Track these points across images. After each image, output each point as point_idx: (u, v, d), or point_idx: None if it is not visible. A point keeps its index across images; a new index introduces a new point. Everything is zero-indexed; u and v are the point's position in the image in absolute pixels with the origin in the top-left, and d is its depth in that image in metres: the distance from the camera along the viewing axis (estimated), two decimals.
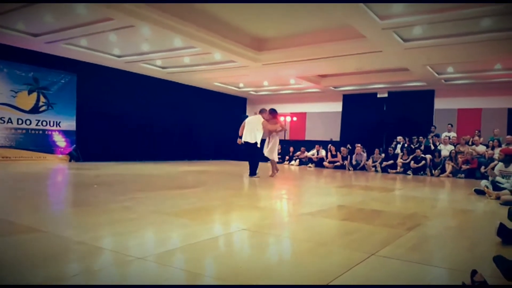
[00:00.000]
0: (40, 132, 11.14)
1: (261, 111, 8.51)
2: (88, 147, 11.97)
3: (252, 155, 8.35)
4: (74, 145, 11.71)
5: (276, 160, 8.90)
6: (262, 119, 8.28)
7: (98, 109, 12.31)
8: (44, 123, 11.20)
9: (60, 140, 11.54)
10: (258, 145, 8.21)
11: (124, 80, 12.98)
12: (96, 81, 12.19)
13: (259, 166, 8.50)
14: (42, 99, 11.13)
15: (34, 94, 10.97)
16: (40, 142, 11.10)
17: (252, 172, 8.28)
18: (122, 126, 13.02)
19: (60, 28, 8.97)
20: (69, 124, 11.69)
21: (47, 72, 11.20)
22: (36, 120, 11.02)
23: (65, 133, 11.62)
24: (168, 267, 2.18)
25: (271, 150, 8.55)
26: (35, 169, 8.74)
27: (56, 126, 11.44)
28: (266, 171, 9.00)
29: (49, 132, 11.32)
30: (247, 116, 17.55)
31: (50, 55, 10.94)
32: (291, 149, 15.39)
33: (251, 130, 8.19)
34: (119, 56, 11.42)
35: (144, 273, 2.10)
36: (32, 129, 10.92)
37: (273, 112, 8.63)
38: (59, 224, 3.34)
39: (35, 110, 10.98)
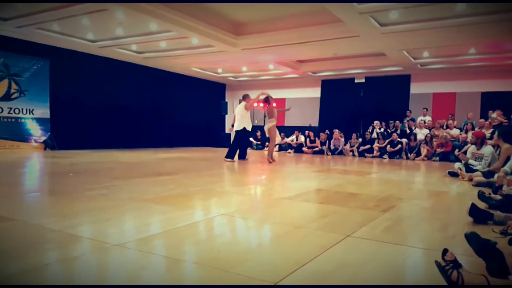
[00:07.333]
0: (13, 120, 10.80)
1: (244, 97, 9.16)
2: (63, 135, 11.68)
3: (239, 140, 8.97)
4: (49, 133, 11.42)
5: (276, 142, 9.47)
6: (244, 104, 8.94)
7: (73, 95, 11.99)
8: (17, 111, 10.86)
9: (34, 128, 11.22)
10: (248, 129, 8.88)
11: (99, 65, 12.64)
12: (70, 67, 11.85)
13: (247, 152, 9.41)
14: (13, 86, 10.76)
15: (5, 81, 10.60)
16: (13, 131, 10.76)
17: (230, 155, 8.80)
18: (98, 113, 12.72)
19: (30, 12, 8.62)
20: (43, 111, 11.36)
21: (19, 58, 10.81)
22: (8, 108, 10.67)
23: (39, 120, 11.30)
24: (147, 253, 2.17)
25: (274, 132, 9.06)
26: (8, 158, 8.51)
27: (30, 113, 11.10)
28: (252, 157, 9.04)
29: (22, 120, 10.99)
30: (226, 103, 17.62)
31: (21, 40, 10.53)
32: None
33: (238, 118, 8.90)
34: (93, 41, 11.11)
35: (123, 260, 2.09)
36: (4, 117, 10.58)
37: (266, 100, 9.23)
38: (34, 212, 3.27)
39: (6, 97, 10.62)
